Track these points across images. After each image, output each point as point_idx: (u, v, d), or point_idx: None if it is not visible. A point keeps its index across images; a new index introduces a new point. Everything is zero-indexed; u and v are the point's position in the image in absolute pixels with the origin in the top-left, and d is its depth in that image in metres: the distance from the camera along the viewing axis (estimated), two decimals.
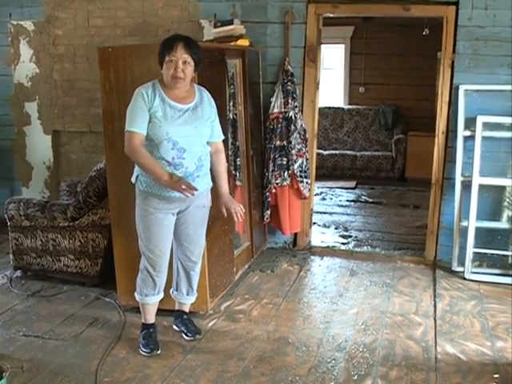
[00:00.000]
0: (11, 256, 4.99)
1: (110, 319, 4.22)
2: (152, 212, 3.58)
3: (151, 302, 3.83)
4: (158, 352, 3.74)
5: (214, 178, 3.80)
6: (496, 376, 3.51)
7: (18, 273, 5.04)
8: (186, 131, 3.46)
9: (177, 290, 3.99)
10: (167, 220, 3.64)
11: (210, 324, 4.18)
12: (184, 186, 3.36)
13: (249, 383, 3.42)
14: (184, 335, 3.96)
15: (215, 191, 3.84)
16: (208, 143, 3.67)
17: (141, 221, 3.66)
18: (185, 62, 3.42)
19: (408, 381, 3.45)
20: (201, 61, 3.53)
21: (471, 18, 4.91)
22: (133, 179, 3.63)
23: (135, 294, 3.86)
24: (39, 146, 6.28)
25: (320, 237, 6.15)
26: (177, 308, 4.07)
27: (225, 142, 4.33)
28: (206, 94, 3.68)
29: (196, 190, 3.40)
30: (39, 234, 4.83)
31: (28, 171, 6.39)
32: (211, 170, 3.76)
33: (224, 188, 3.82)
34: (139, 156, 3.44)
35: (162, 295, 3.86)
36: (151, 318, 3.89)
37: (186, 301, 4.03)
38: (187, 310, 4.07)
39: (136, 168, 3.60)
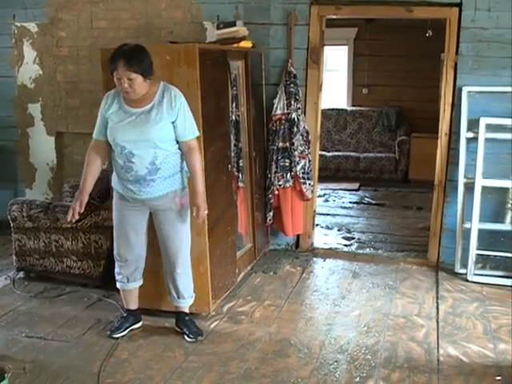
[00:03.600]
0: (14, 257, 4.99)
1: (113, 320, 4.21)
2: (119, 207, 3.82)
3: (124, 287, 4.03)
4: (115, 336, 3.96)
5: (190, 177, 3.80)
6: (498, 378, 3.50)
7: (21, 274, 5.04)
8: (131, 136, 3.56)
9: (169, 293, 4.03)
10: (132, 217, 3.81)
11: (212, 325, 4.18)
12: (71, 209, 3.71)
13: None
14: (186, 337, 3.96)
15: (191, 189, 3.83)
16: (179, 143, 3.69)
17: (114, 213, 3.89)
18: (130, 79, 3.46)
19: (410, 383, 3.45)
20: (149, 69, 3.52)
21: (474, 20, 4.91)
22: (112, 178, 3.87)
23: None
24: (42, 147, 6.29)
25: (323, 238, 6.15)
26: (176, 309, 4.08)
27: (226, 143, 4.36)
28: (169, 94, 3.62)
29: (72, 220, 3.74)
30: (42, 235, 4.84)
31: (31, 173, 6.40)
32: (188, 170, 3.79)
33: (197, 187, 3.73)
34: (85, 161, 3.77)
35: (134, 285, 4.03)
36: (128, 304, 4.09)
37: (179, 304, 4.03)
38: (187, 311, 4.07)
39: None
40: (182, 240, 3.89)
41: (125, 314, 4.11)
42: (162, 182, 3.64)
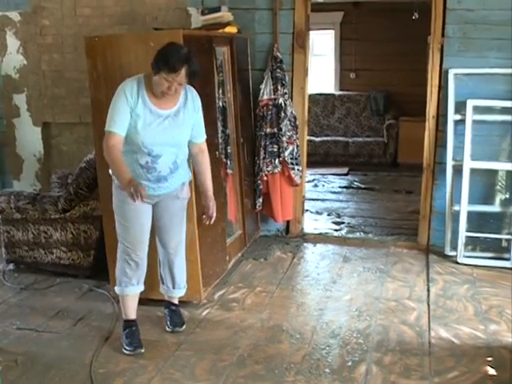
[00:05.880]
0: (3, 249, 4.96)
1: (104, 311, 4.20)
2: (128, 202, 3.44)
3: (130, 292, 3.73)
4: (142, 350, 3.64)
5: (197, 176, 3.80)
6: (489, 359, 3.52)
7: (11, 266, 5.01)
8: (162, 140, 3.43)
9: (163, 283, 3.99)
10: (143, 210, 3.60)
11: (204, 313, 4.18)
12: (133, 190, 3.16)
13: (243, 372, 3.42)
14: (166, 326, 3.94)
15: (199, 188, 3.84)
16: (190, 143, 3.66)
17: (118, 210, 3.64)
18: (180, 84, 3.36)
19: (402, 366, 3.46)
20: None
21: (460, 1, 4.88)
22: (110, 171, 3.57)
23: (115, 287, 3.79)
24: (29, 138, 6.24)
25: (313, 224, 6.15)
26: (166, 299, 4.05)
27: (214, 130, 4.34)
28: (191, 96, 3.57)
29: (142, 197, 3.16)
30: (31, 226, 4.80)
31: (19, 164, 6.35)
32: (195, 170, 3.78)
33: (209, 191, 3.78)
34: (109, 157, 3.35)
35: (142, 287, 3.79)
36: (131, 313, 3.78)
37: (173, 294, 4.00)
38: (175, 302, 4.04)
39: None
40: (182, 230, 3.87)
41: (133, 328, 3.75)
42: (177, 177, 3.61)
